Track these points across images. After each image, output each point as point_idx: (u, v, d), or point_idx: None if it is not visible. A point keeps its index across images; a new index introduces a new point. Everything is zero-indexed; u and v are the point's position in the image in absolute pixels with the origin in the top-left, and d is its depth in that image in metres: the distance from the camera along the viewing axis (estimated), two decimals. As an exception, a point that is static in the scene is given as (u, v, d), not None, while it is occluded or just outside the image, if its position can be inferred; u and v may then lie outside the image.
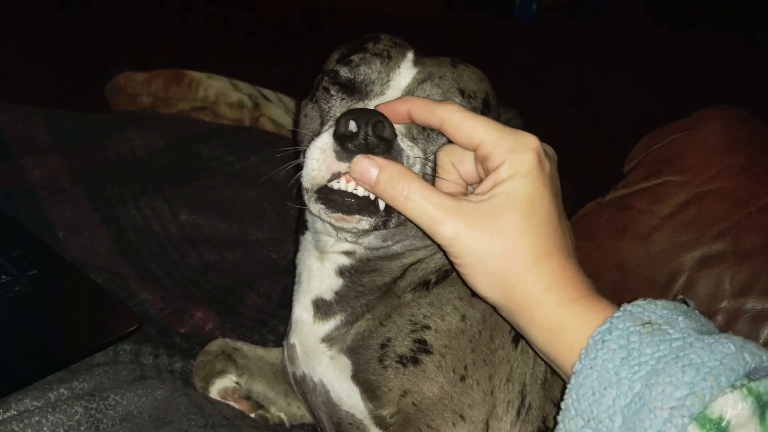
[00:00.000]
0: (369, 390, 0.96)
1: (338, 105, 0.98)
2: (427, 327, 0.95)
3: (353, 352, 0.99)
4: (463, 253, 0.78)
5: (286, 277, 1.44)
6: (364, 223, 0.88)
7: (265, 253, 1.55)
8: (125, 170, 1.66)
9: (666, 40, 4.82)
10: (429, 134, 0.94)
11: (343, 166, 0.85)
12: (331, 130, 0.86)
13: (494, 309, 0.83)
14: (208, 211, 1.60)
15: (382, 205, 0.87)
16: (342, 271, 1.02)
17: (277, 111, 1.93)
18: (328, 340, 1.03)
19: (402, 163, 0.86)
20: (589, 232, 1.30)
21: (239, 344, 1.20)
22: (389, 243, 1.00)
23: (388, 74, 0.96)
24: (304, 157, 0.89)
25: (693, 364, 0.63)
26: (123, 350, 1.15)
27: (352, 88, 0.97)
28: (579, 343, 0.73)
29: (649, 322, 0.69)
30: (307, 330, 1.05)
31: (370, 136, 0.83)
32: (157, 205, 1.58)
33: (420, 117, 0.87)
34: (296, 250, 1.12)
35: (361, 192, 0.87)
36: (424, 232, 0.82)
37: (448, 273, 1.01)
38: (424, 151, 0.92)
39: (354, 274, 1.02)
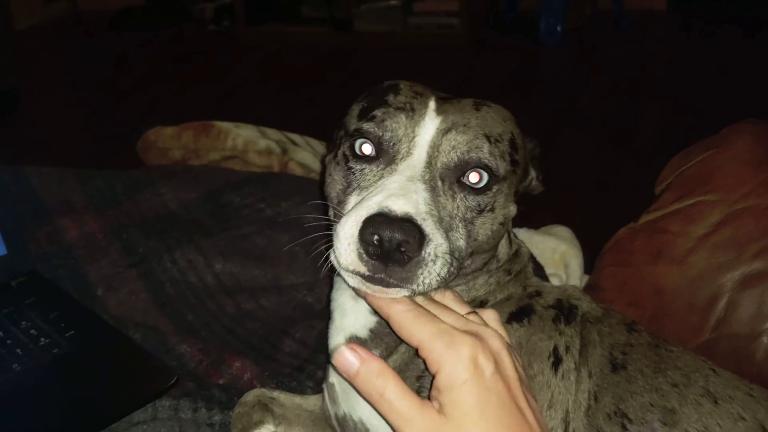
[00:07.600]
0: None
1: (365, 170, 0.95)
2: None
3: None
4: None
5: (321, 321, 1.44)
6: (404, 291, 0.87)
7: (300, 298, 1.55)
8: (159, 224, 1.69)
9: (694, 51, 4.76)
10: (455, 193, 0.93)
11: (363, 269, 0.85)
12: (359, 222, 0.84)
13: None
14: (242, 259, 1.61)
15: (419, 282, 0.85)
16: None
17: (305, 155, 1.94)
18: None
19: (417, 275, 0.84)
20: (623, 257, 1.27)
21: (276, 393, 1.20)
22: None
23: (414, 129, 0.94)
24: (334, 217, 0.94)
25: None
26: (162, 406, 1.16)
27: (377, 148, 0.95)
28: None
29: None
30: None
31: (393, 256, 0.82)
32: (191, 257, 1.60)
33: (374, 306, 0.90)
34: (331, 288, 1.12)
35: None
36: None
37: (483, 303, 1.01)
38: (451, 224, 0.91)
39: None
